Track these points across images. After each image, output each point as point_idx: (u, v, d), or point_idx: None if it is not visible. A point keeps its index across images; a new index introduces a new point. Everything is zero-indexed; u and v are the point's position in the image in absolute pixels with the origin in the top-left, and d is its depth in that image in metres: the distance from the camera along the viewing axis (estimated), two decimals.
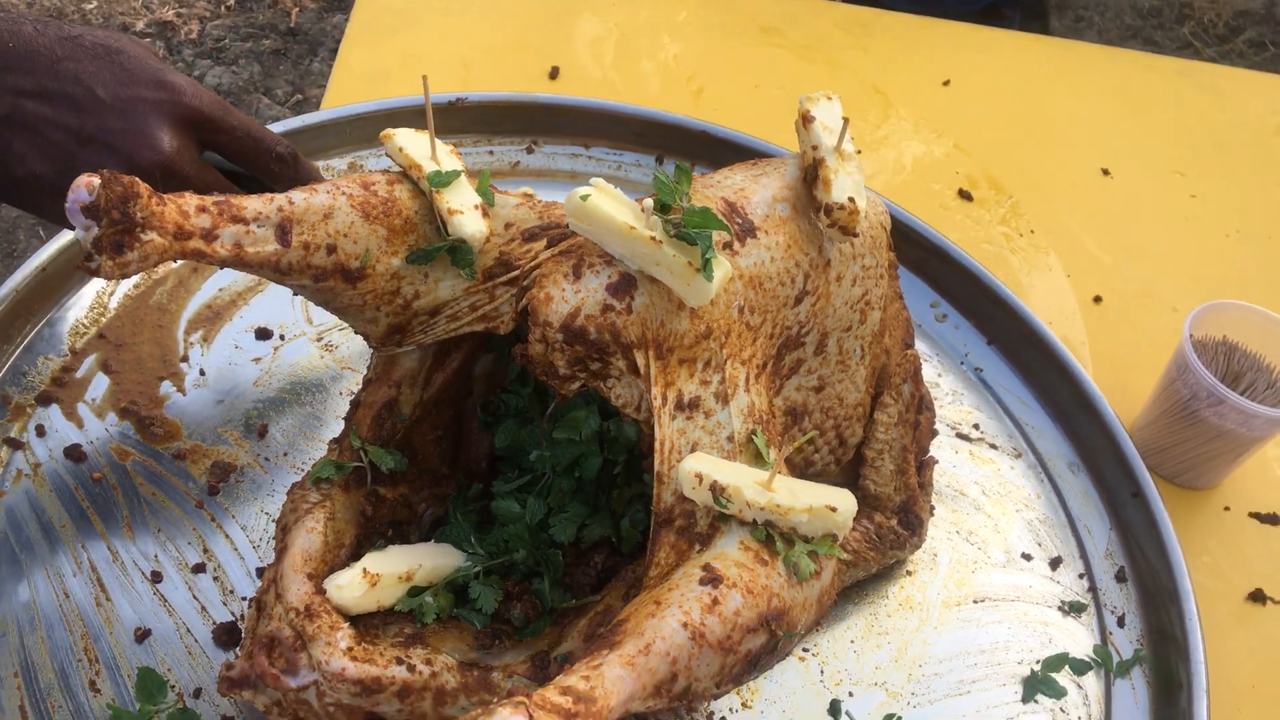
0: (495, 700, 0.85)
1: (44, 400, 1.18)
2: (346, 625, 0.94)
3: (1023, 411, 1.39)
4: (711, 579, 0.85)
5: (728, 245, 0.97)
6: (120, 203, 0.80)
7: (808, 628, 0.94)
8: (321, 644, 0.92)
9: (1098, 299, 1.53)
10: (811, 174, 1.03)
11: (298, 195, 0.93)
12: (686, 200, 0.92)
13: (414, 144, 1.01)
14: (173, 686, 1.04)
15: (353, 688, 0.91)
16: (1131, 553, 1.28)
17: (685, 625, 0.82)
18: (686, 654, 0.81)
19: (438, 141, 1.02)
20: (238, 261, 0.90)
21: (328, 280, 0.96)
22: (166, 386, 1.22)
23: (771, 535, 0.90)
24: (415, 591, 0.99)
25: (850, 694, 1.14)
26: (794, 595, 0.89)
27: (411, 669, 0.93)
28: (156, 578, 1.09)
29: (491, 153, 1.49)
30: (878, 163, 1.64)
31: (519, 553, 1.03)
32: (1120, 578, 1.27)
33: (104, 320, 1.25)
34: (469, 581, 1.01)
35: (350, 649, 0.92)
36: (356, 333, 1.04)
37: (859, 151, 1.06)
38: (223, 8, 3.48)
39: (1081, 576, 1.27)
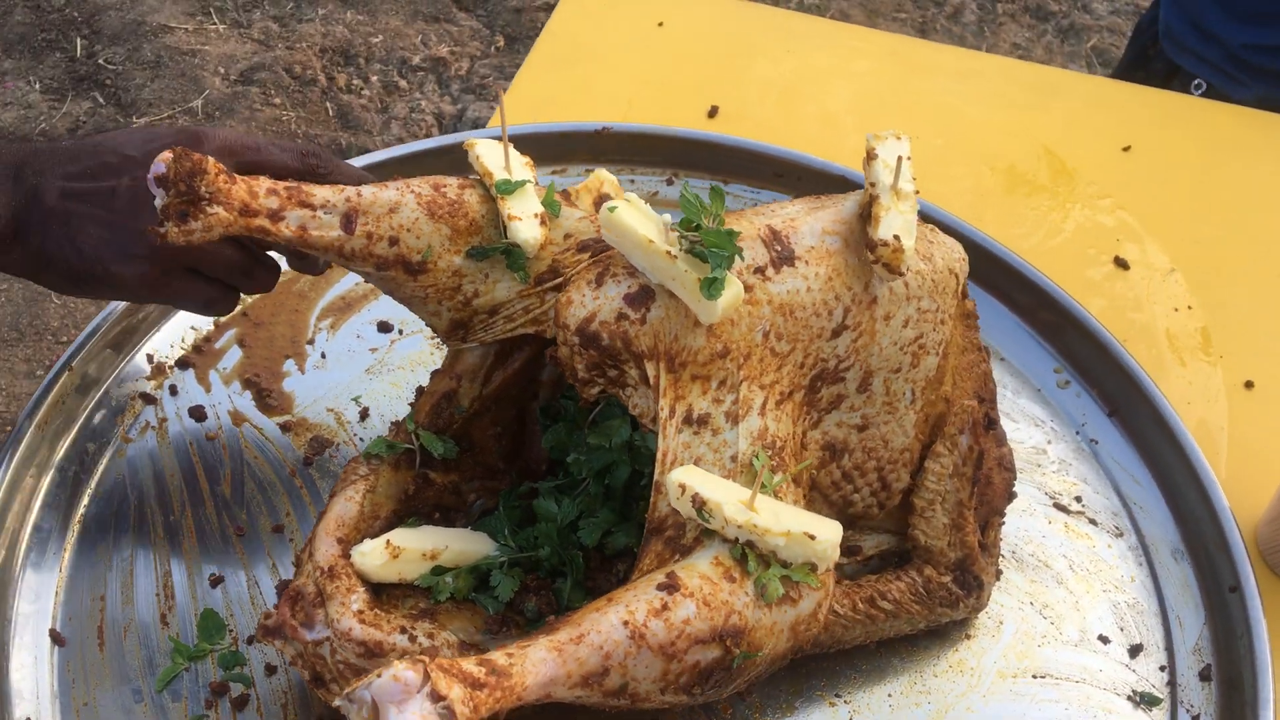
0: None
1: (182, 364, 1.32)
2: (363, 590, 1.01)
3: (1134, 490, 1.32)
4: (669, 585, 0.87)
5: (760, 270, 0.99)
6: (188, 177, 0.91)
7: (779, 656, 0.93)
8: (336, 603, 0.99)
9: (1249, 384, 1.43)
10: (866, 210, 1.03)
11: (367, 189, 1.02)
12: (716, 220, 0.95)
13: (491, 153, 1.08)
14: (230, 631, 1.14)
15: (357, 648, 0.98)
16: (1219, 650, 1.19)
17: (626, 624, 0.84)
18: (623, 651, 0.83)
19: (513, 153, 1.09)
20: (301, 243, 0.99)
21: (389, 270, 1.04)
22: (289, 364, 1.34)
23: (748, 555, 0.91)
24: (439, 571, 1.05)
25: None
26: (759, 617, 0.89)
27: (412, 639, 0.99)
28: (240, 532, 1.20)
29: (633, 181, 1.55)
30: (1033, 224, 1.59)
31: (545, 550, 1.08)
32: (1205, 676, 1.18)
33: (249, 300, 1.38)
34: (492, 570, 1.06)
35: (360, 612, 0.99)
36: (425, 324, 1.11)
37: (917, 192, 1.05)
38: (493, 49, 3.72)
39: (1163, 669, 1.19)
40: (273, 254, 1.12)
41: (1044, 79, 1.79)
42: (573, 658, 0.81)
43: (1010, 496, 1.21)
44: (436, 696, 0.73)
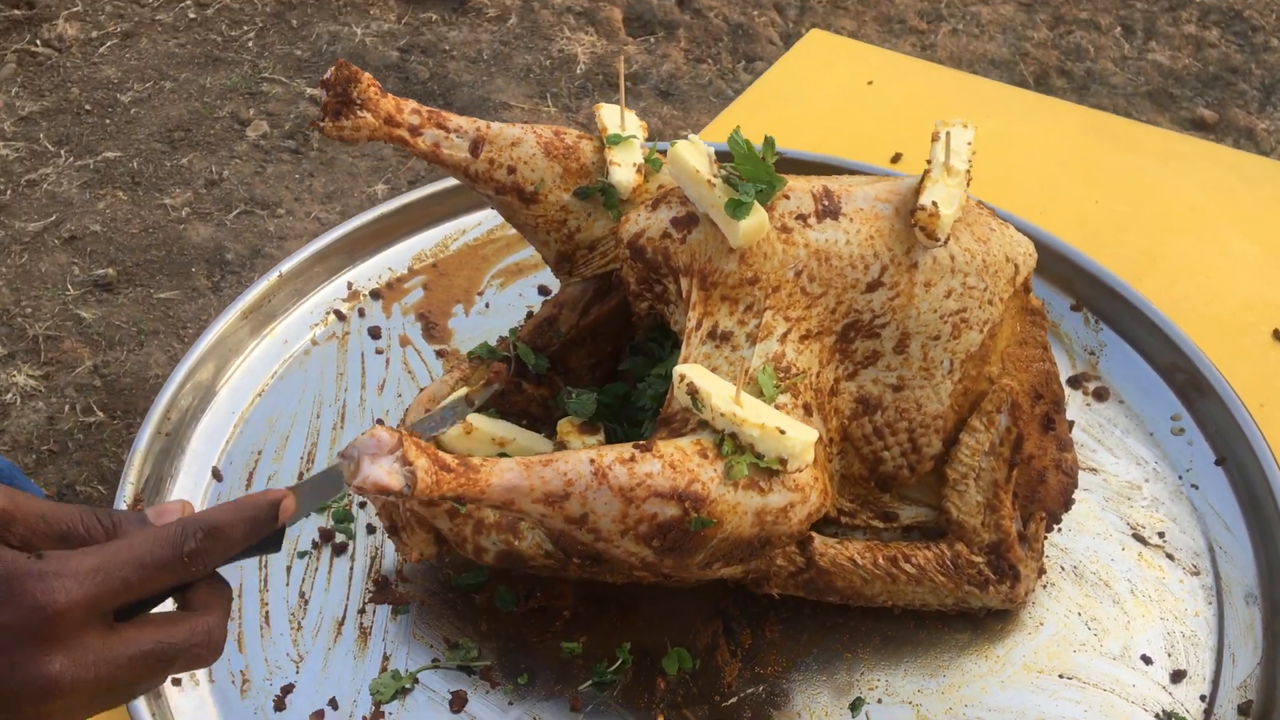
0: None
1: (374, 295, 1.57)
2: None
3: (1223, 535, 1.30)
4: (643, 447, 0.99)
5: (802, 217, 1.11)
6: (344, 83, 1.15)
7: (743, 539, 1.02)
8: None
9: None
10: (919, 182, 1.13)
11: (495, 124, 1.23)
12: (764, 170, 1.08)
13: (611, 115, 1.27)
14: (347, 494, 1.34)
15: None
16: (1266, 690, 1.15)
17: (593, 462, 0.96)
18: (584, 483, 0.96)
19: (631, 117, 1.27)
20: (434, 157, 1.21)
21: (506, 195, 1.23)
22: (458, 308, 1.56)
23: (726, 442, 1.01)
24: (502, 455, 1.21)
25: (880, 700, 1.17)
26: (722, 492, 0.99)
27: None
28: (379, 422, 1.41)
29: None
30: (1195, 294, 1.59)
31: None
32: (1244, 711, 1.15)
33: (442, 255, 1.62)
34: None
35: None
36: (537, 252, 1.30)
37: (968, 170, 1.13)
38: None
39: (1203, 699, 1.17)
40: None
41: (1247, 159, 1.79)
42: (538, 475, 0.95)
43: (1068, 503, 1.24)
44: (404, 460, 0.90)
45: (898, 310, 1.13)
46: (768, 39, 3.94)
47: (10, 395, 2.89)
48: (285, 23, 4.07)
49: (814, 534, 1.16)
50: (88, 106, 3.81)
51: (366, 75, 1.17)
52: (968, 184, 1.14)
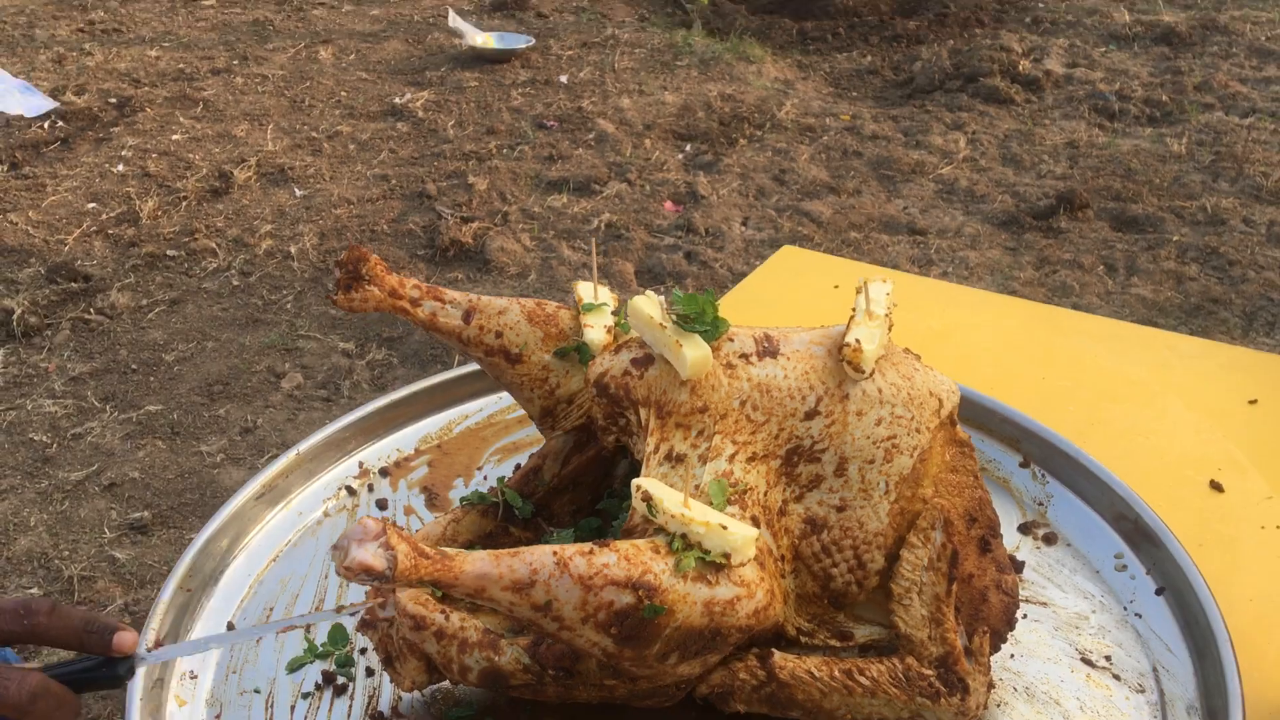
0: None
1: (383, 472, 1.73)
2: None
3: (1166, 657, 1.39)
4: (601, 543, 1.12)
5: (745, 356, 1.27)
6: (355, 262, 1.35)
7: (694, 629, 1.13)
8: (403, 588, 1.30)
9: None
10: (846, 326, 1.30)
11: (484, 297, 1.42)
12: (709, 313, 1.26)
13: (587, 289, 1.46)
14: (350, 642, 1.46)
15: (409, 621, 1.28)
16: None
17: (555, 553, 1.09)
18: (548, 572, 1.08)
19: (604, 290, 1.45)
20: (431, 325, 1.39)
21: (494, 357, 1.41)
22: (459, 481, 1.71)
23: (676, 541, 1.14)
24: None
25: None
26: (673, 583, 1.11)
27: (447, 618, 1.27)
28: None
29: None
30: (1137, 451, 1.72)
31: None
32: None
33: (446, 437, 1.79)
34: None
35: (415, 594, 1.30)
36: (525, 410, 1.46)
37: (888, 315, 1.30)
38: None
39: None
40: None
41: (1175, 345, 1.95)
42: (506, 564, 1.08)
43: (1011, 621, 1.34)
44: (387, 545, 1.03)
45: (834, 436, 1.27)
46: None
47: None
48: (322, 286, 4.39)
49: (774, 650, 1.26)
50: (134, 366, 4.08)
51: (374, 256, 1.37)
52: (889, 328, 1.31)
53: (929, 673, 1.27)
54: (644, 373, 1.26)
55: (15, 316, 4.17)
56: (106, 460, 3.66)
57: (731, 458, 1.24)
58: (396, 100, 5.59)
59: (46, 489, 3.59)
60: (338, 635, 1.46)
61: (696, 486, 1.21)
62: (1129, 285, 4.24)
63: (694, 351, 1.22)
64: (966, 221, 4.60)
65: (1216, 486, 1.64)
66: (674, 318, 1.25)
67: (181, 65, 6.06)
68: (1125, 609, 1.45)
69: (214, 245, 4.60)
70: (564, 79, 5.73)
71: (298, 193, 4.94)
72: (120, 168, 5.15)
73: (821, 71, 5.86)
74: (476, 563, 1.07)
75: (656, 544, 1.14)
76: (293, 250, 4.55)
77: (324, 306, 4.28)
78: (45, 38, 6.39)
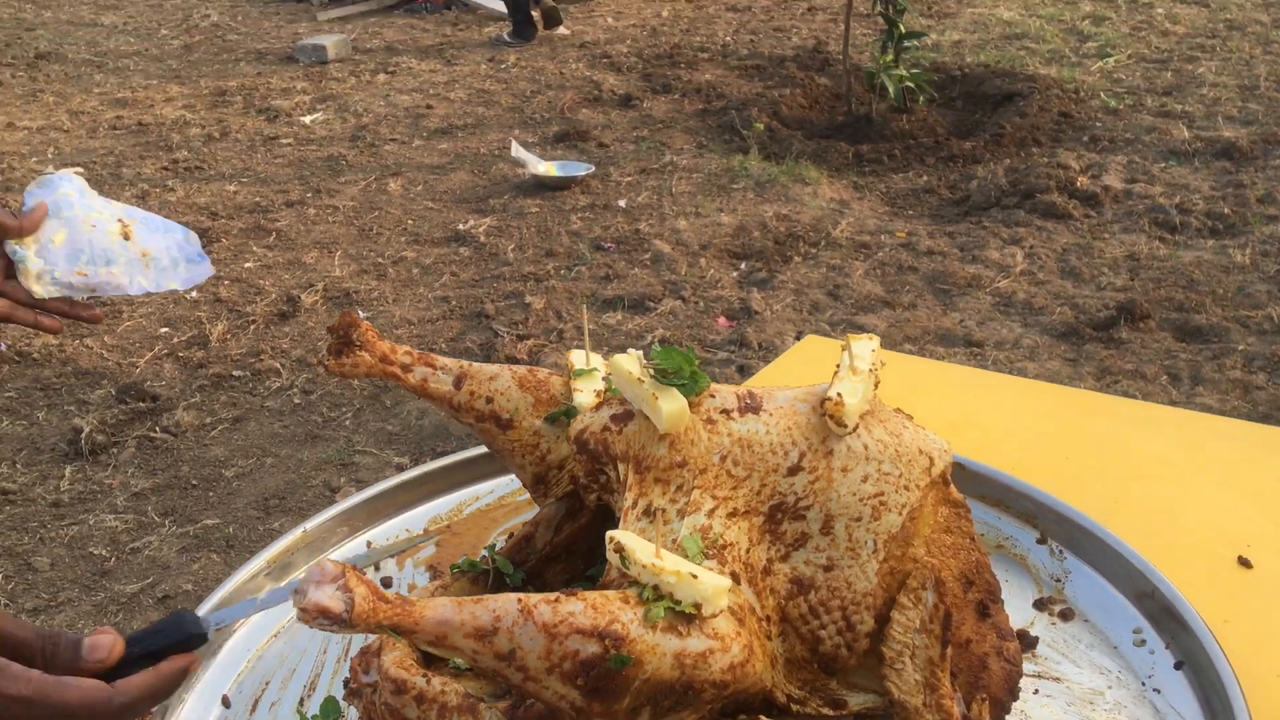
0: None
1: (391, 553, 1.72)
2: (410, 650, 1.30)
3: None
4: (568, 592, 1.10)
5: (726, 411, 1.26)
6: (346, 328, 1.38)
7: (665, 682, 1.09)
8: (386, 653, 1.29)
9: None
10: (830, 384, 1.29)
11: (475, 363, 1.43)
12: (687, 368, 1.26)
13: (579, 357, 1.47)
14: (343, 716, 1.44)
15: (390, 685, 1.26)
16: None
17: (519, 602, 1.07)
18: (511, 619, 1.06)
19: (595, 357, 1.46)
20: (423, 390, 1.41)
21: (485, 423, 1.42)
22: (464, 559, 1.70)
23: (646, 590, 1.11)
24: None
25: None
26: (641, 633, 1.08)
27: (428, 682, 1.25)
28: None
29: None
30: (1163, 529, 1.66)
31: None
32: None
33: (456, 518, 1.78)
34: None
35: (399, 659, 1.28)
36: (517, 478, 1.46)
37: (873, 372, 1.28)
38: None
39: None
40: None
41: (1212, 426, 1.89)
42: (468, 611, 1.06)
43: (1013, 690, 1.28)
44: (345, 588, 1.02)
45: (819, 493, 1.25)
46: None
47: None
48: (380, 403, 4.45)
49: (760, 715, 1.22)
50: (194, 481, 4.16)
51: (365, 322, 1.39)
52: (876, 385, 1.29)
53: None
54: (623, 428, 1.26)
55: (84, 435, 4.29)
56: (162, 573, 3.70)
57: (711, 512, 1.22)
58: (460, 226, 5.74)
59: (102, 601, 3.64)
60: (330, 708, 1.44)
61: (673, 541, 1.19)
62: (1194, 395, 4.14)
63: (670, 404, 1.22)
64: (1024, 333, 4.55)
65: (1245, 563, 1.57)
66: (652, 372, 1.25)
67: (258, 198, 6.30)
68: (1143, 684, 1.39)
69: (278, 365, 4.71)
70: (622, 203, 5.85)
71: (361, 314, 5.05)
72: (194, 294, 5.33)
73: (877, 191, 5.91)
74: (438, 609, 1.06)
75: (627, 594, 1.12)
76: None
77: (382, 422, 4.34)
78: (131, 175, 6.70)
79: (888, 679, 1.24)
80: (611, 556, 1.15)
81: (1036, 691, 1.39)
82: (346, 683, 1.32)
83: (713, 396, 1.27)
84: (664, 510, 1.22)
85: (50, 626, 3.53)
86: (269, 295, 5.27)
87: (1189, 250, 5.14)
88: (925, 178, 5.99)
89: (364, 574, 1.06)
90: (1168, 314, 4.66)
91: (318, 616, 1.01)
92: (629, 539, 1.15)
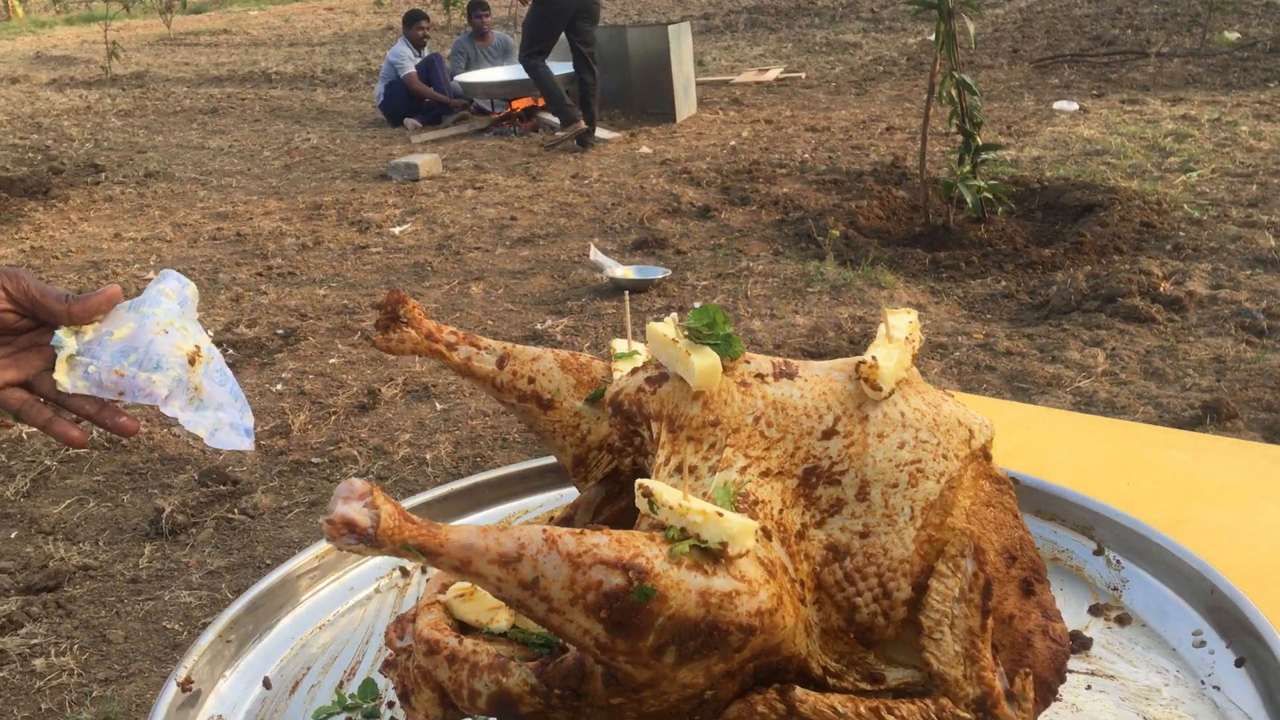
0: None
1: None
2: (444, 615, 1.30)
3: None
4: (594, 528, 1.09)
5: (760, 375, 1.27)
6: (394, 304, 1.41)
7: (689, 619, 1.07)
8: (421, 616, 1.29)
9: None
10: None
11: (519, 345, 1.45)
12: (720, 325, 1.27)
13: (622, 345, 1.48)
14: (380, 697, 1.43)
15: (423, 645, 1.26)
16: None
17: (544, 531, 1.07)
18: (535, 547, 1.06)
19: (637, 345, 1.48)
20: (466, 369, 1.43)
21: (527, 402, 1.43)
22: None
23: (672, 529, 1.11)
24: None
25: None
26: (666, 569, 1.07)
27: (460, 642, 1.25)
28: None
29: None
30: (1226, 545, 1.61)
31: None
32: None
33: None
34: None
35: (433, 622, 1.28)
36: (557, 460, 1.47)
37: (909, 339, 1.28)
38: None
39: None
40: None
41: None
42: (493, 537, 1.06)
43: (1060, 671, 1.24)
44: (373, 505, 1.04)
45: (854, 458, 1.23)
46: None
47: None
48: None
49: (794, 684, 1.20)
50: (268, 560, 4.20)
51: (412, 300, 1.43)
52: (913, 356, 1.29)
53: (966, 715, 1.18)
54: (657, 389, 1.27)
55: (165, 515, 4.37)
56: None
57: (743, 470, 1.21)
58: (538, 326, 5.83)
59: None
60: (368, 689, 1.44)
61: (704, 494, 1.18)
62: None
63: (702, 360, 1.22)
64: None
65: None
66: (686, 332, 1.26)
67: (345, 301, 6.48)
68: (1202, 682, 1.33)
69: (355, 453, 4.78)
70: (697, 304, 5.90)
71: (438, 406, 5.13)
72: (279, 387, 5.46)
73: (954, 296, 5.89)
74: (463, 533, 1.06)
75: (653, 534, 1.11)
76: (428, 457, 4.68)
77: None
78: (227, 280, 6.95)
79: (926, 649, 1.21)
80: (640, 502, 1.15)
81: (1089, 687, 1.34)
82: (385, 663, 1.32)
83: (748, 362, 1.28)
84: (696, 467, 1.22)
85: (121, 697, 3.56)
86: (350, 389, 5.38)
87: (1277, 354, 5.02)
88: (1004, 283, 5.96)
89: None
90: (1256, 414, 4.54)
91: (344, 530, 1.02)
92: (657, 485, 1.15)
